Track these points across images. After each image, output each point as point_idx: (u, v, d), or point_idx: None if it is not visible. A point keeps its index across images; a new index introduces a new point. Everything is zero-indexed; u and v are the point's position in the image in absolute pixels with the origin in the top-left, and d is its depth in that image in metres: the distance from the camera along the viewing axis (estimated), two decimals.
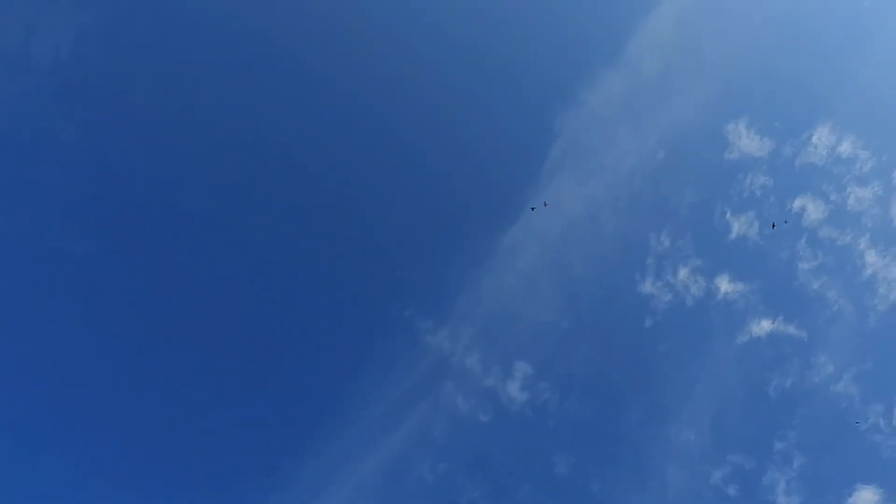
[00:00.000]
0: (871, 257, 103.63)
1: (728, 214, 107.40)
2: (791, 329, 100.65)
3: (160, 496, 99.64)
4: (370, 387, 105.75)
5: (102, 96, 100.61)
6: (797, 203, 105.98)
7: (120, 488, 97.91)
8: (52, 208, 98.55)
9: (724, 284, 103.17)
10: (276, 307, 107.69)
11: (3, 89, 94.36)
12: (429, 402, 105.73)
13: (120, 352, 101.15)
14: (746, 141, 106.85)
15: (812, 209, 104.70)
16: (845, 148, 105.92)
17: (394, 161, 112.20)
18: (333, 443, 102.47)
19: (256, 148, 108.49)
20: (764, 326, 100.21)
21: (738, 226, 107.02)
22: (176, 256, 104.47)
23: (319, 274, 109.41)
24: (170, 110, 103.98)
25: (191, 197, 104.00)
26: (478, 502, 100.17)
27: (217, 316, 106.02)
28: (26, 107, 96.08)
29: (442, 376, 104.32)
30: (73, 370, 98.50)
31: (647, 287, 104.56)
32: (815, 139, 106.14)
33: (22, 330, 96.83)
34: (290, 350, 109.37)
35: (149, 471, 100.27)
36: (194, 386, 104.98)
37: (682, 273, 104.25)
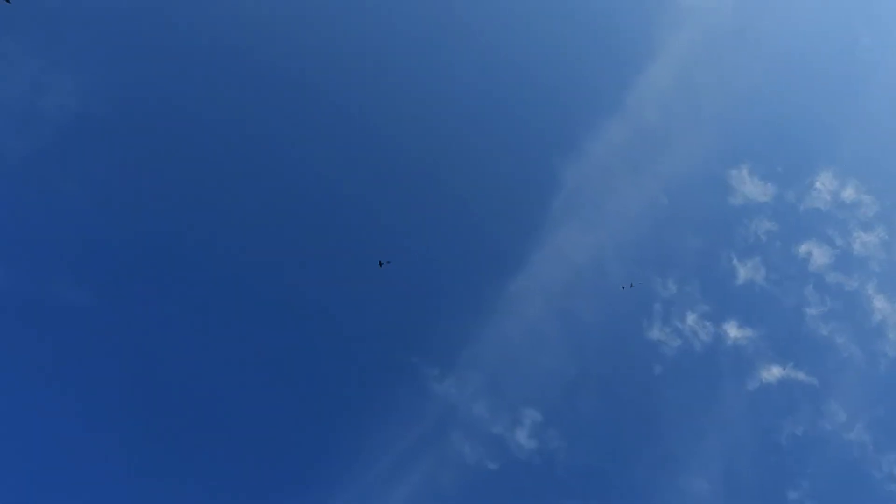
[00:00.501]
0: (880, 302, 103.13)
1: (734, 260, 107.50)
2: (801, 376, 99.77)
3: None
4: (376, 435, 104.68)
5: (108, 153, 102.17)
6: (803, 248, 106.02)
7: None
8: (56, 261, 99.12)
9: (733, 330, 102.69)
10: (280, 355, 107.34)
11: (9, 146, 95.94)
12: (436, 450, 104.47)
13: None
14: (750, 186, 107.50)
15: (818, 254, 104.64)
16: (849, 193, 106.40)
17: (399, 211, 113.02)
18: (340, 494, 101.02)
19: (263, 198, 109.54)
20: (774, 373, 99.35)
21: (745, 271, 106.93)
22: (179, 313, 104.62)
23: (324, 320, 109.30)
24: (175, 164, 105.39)
25: (197, 247, 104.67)
26: None
27: (219, 365, 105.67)
28: (33, 164, 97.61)
29: (449, 424, 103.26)
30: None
31: (655, 333, 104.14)
32: (818, 184, 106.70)
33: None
34: (293, 399, 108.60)
35: None
36: (200, 439, 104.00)
37: (690, 319, 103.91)
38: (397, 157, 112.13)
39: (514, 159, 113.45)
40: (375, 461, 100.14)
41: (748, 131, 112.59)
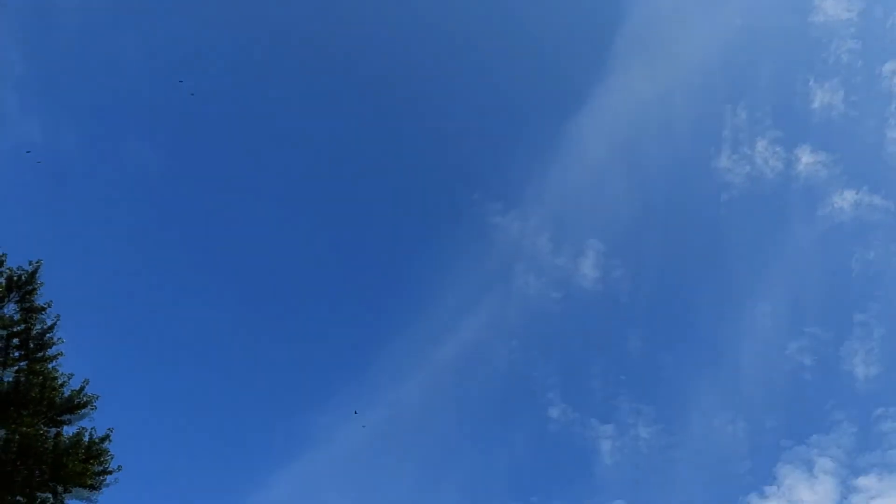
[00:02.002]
0: None
1: (811, 82, 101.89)
2: (876, 200, 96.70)
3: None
4: (442, 273, 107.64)
5: None
6: (887, 67, 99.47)
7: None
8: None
9: (806, 156, 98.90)
10: (342, 195, 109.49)
11: None
12: (501, 284, 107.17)
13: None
14: (833, 2, 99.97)
15: None
16: None
17: (457, 49, 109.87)
18: (407, 331, 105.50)
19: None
20: (847, 198, 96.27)
21: (822, 94, 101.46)
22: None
23: (386, 158, 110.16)
24: None
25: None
26: (552, 380, 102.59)
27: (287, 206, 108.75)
28: None
29: (513, 258, 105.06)
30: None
31: (723, 161, 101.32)
32: None
33: None
34: (358, 239, 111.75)
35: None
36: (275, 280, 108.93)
37: (761, 145, 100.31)
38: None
39: None
40: (442, 298, 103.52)
41: None
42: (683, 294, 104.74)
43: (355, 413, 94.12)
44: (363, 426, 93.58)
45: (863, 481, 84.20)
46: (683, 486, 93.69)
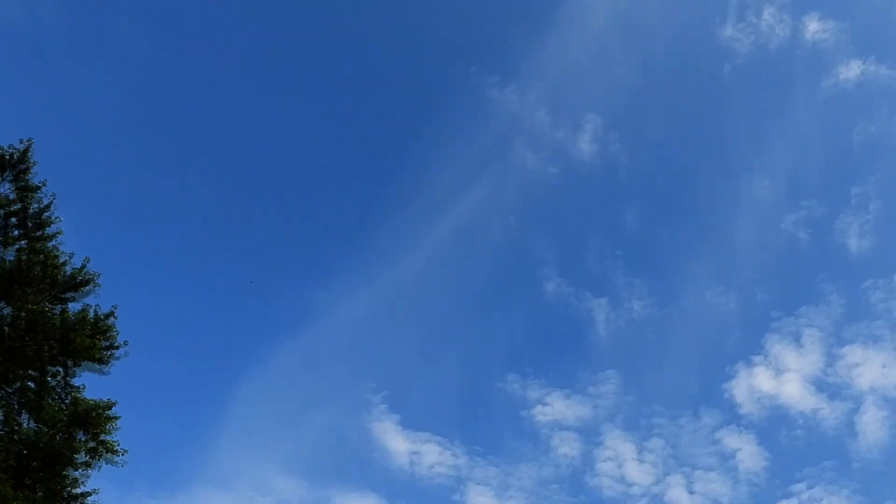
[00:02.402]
0: None
1: None
2: (882, 70, 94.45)
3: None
4: (439, 148, 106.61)
5: None
6: None
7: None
8: None
9: (813, 24, 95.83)
10: (339, 70, 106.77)
11: None
12: (498, 159, 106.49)
13: None
14: None
15: None
16: None
17: None
18: (405, 206, 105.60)
19: None
20: (853, 68, 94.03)
21: None
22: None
23: (382, 31, 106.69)
24: None
25: None
26: (548, 254, 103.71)
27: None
28: None
29: (511, 132, 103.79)
30: None
31: (728, 30, 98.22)
32: None
33: None
34: (356, 114, 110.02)
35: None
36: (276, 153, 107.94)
37: (768, 13, 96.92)
38: None
39: None
40: (440, 173, 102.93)
41: None
42: (682, 168, 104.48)
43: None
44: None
45: (847, 350, 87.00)
46: (674, 357, 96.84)
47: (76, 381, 28.31)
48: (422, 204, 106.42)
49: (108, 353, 27.78)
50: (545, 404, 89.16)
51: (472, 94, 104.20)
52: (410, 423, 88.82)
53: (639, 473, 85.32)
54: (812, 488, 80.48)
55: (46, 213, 28.89)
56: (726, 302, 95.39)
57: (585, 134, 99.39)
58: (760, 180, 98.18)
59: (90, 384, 28.37)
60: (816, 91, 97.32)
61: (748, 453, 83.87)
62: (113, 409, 27.28)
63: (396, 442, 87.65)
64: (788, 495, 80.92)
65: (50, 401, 26.85)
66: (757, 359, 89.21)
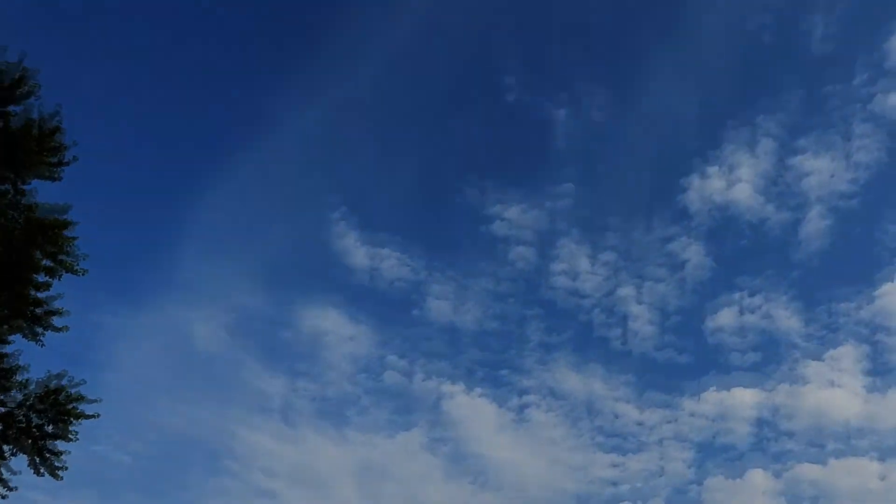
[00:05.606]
0: None
1: None
2: None
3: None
4: None
5: None
6: None
7: None
8: None
9: None
10: None
11: None
12: None
13: None
14: None
15: None
16: None
17: None
18: (361, 10, 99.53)
19: None
20: None
21: None
22: None
23: None
24: None
25: None
26: (510, 47, 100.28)
27: None
28: None
29: None
30: None
31: None
32: None
33: None
34: None
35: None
36: None
37: None
38: None
39: None
40: None
41: None
42: None
43: None
44: None
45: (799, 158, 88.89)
46: (630, 163, 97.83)
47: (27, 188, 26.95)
48: (378, 7, 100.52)
49: (58, 168, 26.31)
50: (502, 219, 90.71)
51: None
52: (369, 236, 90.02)
53: (591, 286, 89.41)
54: (753, 296, 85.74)
55: None
56: (686, 101, 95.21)
57: None
58: None
59: (42, 189, 26.92)
60: None
61: (695, 264, 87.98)
62: (69, 213, 26.26)
63: (357, 255, 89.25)
64: (730, 303, 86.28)
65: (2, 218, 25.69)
66: (711, 166, 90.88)
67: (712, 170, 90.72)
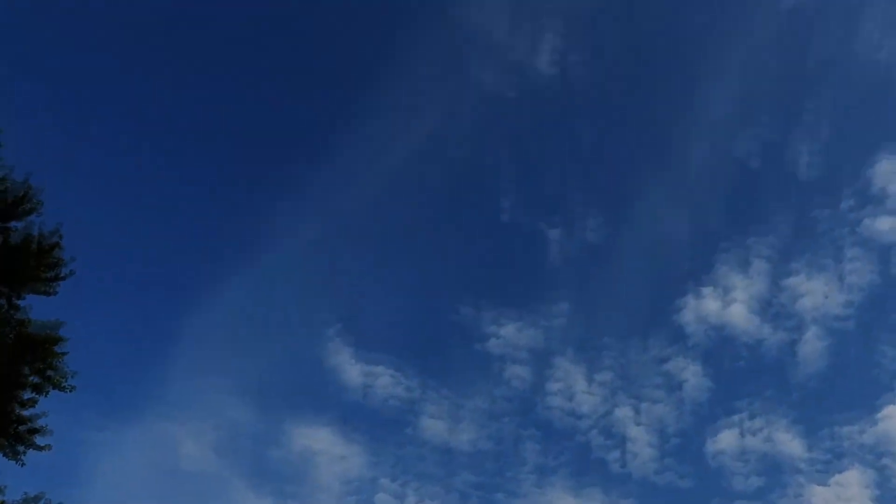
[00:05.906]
0: None
1: None
2: None
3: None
4: (393, 65, 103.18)
5: None
6: None
7: None
8: None
9: None
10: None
11: None
12: (454, 77, 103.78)
13: None
14: None
15: None
16: None
17: None
18: (359, 124, 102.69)
19: None
20: None
21: None
22: None
23: None
24: None
25: None
26: (506, 169, 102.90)
27: None
28: None
29: (466, 49, 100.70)
30: None
31: None
32: None
33: None
34: (316, 25, 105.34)
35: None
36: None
37: None
38: None
39: None
40: (394, 92, 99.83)
41: None
42: (639, 83, 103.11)
43: None
44: None
45: (793, 279, 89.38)
46: (624, 282, 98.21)
47: (22, 303, 26.74)
48: (378, 122, 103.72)
49: (54, 283, 26.21)
50: (498, 337, 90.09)
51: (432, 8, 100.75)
52: (364, 354, 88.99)
53: (588, 406, 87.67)
54: (753, 419, 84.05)
55: None
56: (678, 227, 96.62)
57: (545, 46, 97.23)
58: (715, 105, 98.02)
59: (37, 304, 26.73)
60: (774, 9, 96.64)
61: (693, 385, 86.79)
62: (61, 329, 25.96)
63: (351, 372, 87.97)
64: (731, 426, 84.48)
65: None
66: (706, 287, 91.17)
67: (707, 290, 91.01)
